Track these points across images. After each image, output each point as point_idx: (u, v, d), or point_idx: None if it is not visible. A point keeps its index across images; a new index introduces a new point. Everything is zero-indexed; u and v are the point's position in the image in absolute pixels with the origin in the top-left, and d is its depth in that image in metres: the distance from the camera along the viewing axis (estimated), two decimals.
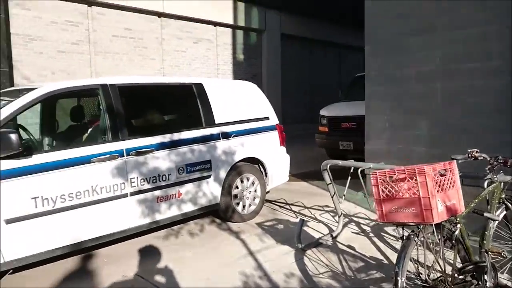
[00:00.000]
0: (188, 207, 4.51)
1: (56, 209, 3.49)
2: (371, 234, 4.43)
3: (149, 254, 4.07)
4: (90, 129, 4.54)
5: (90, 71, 10.00)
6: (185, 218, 4.71)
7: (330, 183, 4.26)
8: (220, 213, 4.96)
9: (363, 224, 4.79)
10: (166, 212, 4.30)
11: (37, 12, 9.14)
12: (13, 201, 3.28)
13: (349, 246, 4.09)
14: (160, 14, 11.13)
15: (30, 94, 3.50)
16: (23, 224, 3.32)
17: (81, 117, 4.93)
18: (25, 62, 9.03)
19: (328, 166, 4.08)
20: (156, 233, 4.62)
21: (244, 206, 5.06)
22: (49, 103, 4.66)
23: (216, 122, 4.83)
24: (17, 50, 8.89)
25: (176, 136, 4.38)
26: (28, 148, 3.42)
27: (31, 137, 4.07)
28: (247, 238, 4.44)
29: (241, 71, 13.37)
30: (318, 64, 16.32)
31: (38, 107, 4.58)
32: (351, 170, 3.78)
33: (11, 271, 3.53)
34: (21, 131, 3.92)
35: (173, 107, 4.83)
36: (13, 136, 3.15)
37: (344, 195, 4.11)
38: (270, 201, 5.88)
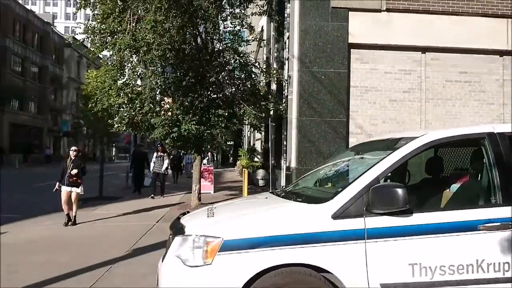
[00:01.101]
0: None
1: (435, 282, 2.89)
2: None
3: None
4: (455, 185, 3.84)
5: (420, 119, 9.55)
6: None
7: None
8: None
9: None
10: None
11: (373, 64, 9.53)
12: (389, 265, 2.89)
13: None
14: (503, 53, 9.60)
15: (412, 143, 3.13)
16: None
17: (439, 170, 4.32)
18: (359, 112, 9.49)
19: None
20: None
21: None
22: None
23: None
24: (354, 101, 9.46)
25: None
26: None
27: None
28: None
29: None
30: None
31: None
32: None
33: None
34: None
35: None
36: (400, 191, 2.79)
37: None
38: None
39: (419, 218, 2.94)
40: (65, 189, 8.31)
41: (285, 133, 11.97)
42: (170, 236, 3.42)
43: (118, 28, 9.04)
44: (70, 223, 8.42)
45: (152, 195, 13.03)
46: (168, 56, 9.02)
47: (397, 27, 9.35)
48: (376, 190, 2.87)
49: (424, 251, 2.89)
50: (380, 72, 9.54)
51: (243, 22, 10.99)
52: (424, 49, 9.58)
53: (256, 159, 22.70)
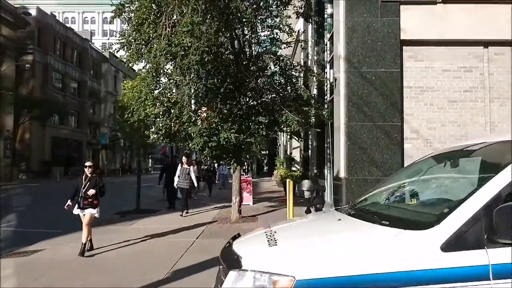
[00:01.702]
0: None
1: None
2: None
3: None
4: None
5: (484, 120, 8.54)
6: None
7: None
8: None
9: None
10: None
11: (428, 62, 8.65)
12: None
13: None
14: None
15: None
16: None
17: None
18: (415, 115, 8.61)
19: None
20: None
21: None
22: None
23: None
24: (408, 103, 8.61)
25: None
26: None
27: None
28: None
29: None
30: None
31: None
32: None
33: None
34: None
35: None
36: None
37: None
38: None
39: None
40: (78, 212, 7.12)
41: (328, 140, 11.20)
42: (221, 268, 2.77)
43: (153, 35, 8.64)
44: (88, 247, 7.18)
45: (186, 211, 12.37)
46: (206, 60, 8.50)
47: (454, 20, 8.45)
48: (504, 211, 2.10)
49: None
50: (437, 70, 8.64)
51: (282, 23, 10.39)
52: (486, 44, 8.60)
53: (294, 168, 21.91)
